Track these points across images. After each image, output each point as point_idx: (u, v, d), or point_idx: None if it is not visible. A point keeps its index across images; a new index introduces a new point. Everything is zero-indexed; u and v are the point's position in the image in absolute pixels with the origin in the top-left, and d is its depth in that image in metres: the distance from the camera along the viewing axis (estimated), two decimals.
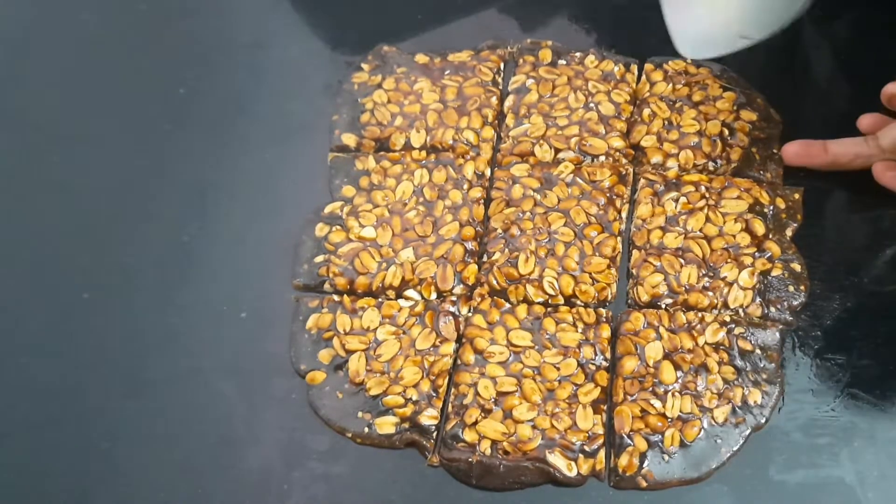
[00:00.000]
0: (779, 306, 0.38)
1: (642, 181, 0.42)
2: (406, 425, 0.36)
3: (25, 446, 0.37)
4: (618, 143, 0.43)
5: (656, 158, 0.42)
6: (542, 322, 0.38)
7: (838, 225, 0.41)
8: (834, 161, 0.41)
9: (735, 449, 0.35)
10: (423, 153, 0.44)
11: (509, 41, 0.48)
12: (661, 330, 0.38)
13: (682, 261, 0.39)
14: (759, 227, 0.40)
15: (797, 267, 0.39)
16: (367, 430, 0.36)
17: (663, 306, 0.39)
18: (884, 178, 0.40)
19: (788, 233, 0.40)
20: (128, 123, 0.48)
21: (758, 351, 0.37)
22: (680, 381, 0.36)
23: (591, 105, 0.44)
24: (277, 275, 0.41)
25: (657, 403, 0.36)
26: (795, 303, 0.38)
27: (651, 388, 0.36)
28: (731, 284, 0.39)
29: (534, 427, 0.35)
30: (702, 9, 0.42)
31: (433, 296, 0.40)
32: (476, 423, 0.36)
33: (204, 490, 0.36)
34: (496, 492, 0.35)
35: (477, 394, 0.36)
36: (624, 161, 0.43)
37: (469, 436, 0.36)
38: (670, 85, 0.45)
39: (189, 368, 0.39)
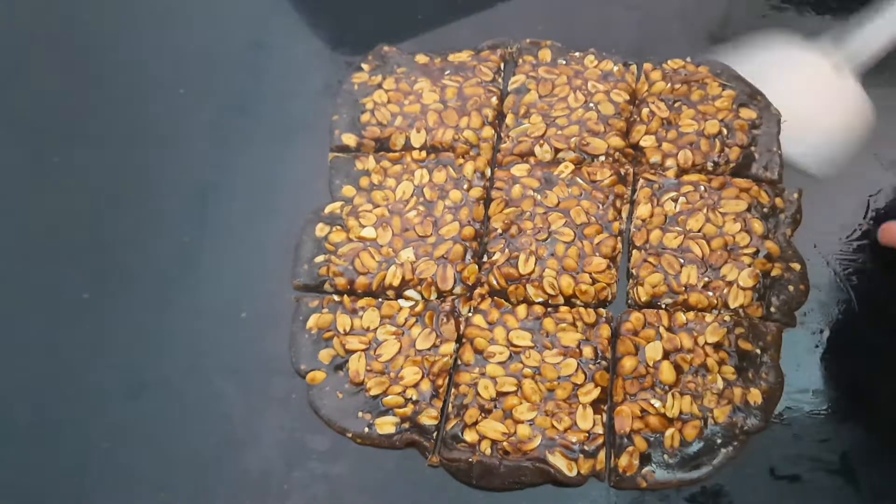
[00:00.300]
0: (779, 306, 0.38)
1: (641, 181, 0.42)
2: (406, 425, 0.36)
3: (25, 446, 0.37)
4: (617, 142, 0.43)
5: (655, 158, 0.42)
6: (542, 322, 0.38)
7: (838, 224, 0.41)
8: None
9: (735, 449, 0.35)
10: (424, 153, 0.44)
11: (509, 41, 0.48)
12: (661, 330, 0.38)
13: (681, 261, 0.39)
14: (759, 227, 0.40)
15: (797, 267, 0.39)
16: (367, 430, 0.36)
17: (663, 306, 0.39)
18: None
19: (788, 232, 0.40)
20: (128, 123, 0.48)
21: (758, 351, 0.37)
22: (680, 381, 0.36)
23: (591, 105, 0.44)
24: (278, 275, 0.41)
25: (657, 403, 0.36)
26: (795, 303, 0.38)
27: (651, 388, 0.36)
28: (730, 284, 0.39)
29: (534, 427, 0.35)
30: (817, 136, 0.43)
31: (433, 296, 0.40)
32: (476, 423, 0.36)
33: (204, 490, 0.36)
34: (496, 492, 0.35)
35: (477, 394, 0.36)
36: (624, 161, 0.43)
37: (469, 436, 0.36)
38: (669, 84, 0.45)
39: (189, 368, 0.39)
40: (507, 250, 0.40)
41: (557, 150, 0.43)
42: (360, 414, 0.37)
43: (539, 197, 0.42)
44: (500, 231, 0.41)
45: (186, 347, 0.40)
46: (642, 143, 0.43)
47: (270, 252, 0.42)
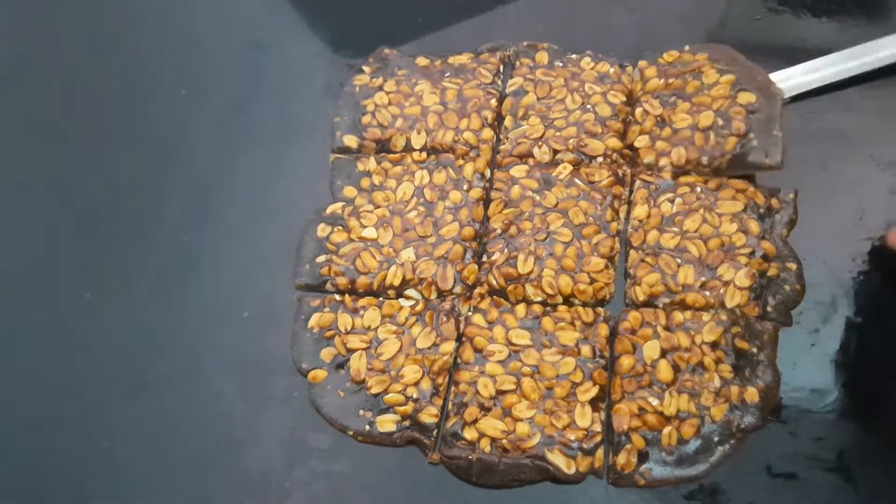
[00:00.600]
0: (775, 305, 0.39)
1: (638, 182, 0.43)
2: (407, 423, 0.36)
3: (25, 446, 0.37)
4: (615, 144, 0.43)
5: (649, 158, 0.42)
6: (540, 321, 0.39)
7: (834, 224, 0.42)
8: None
9: (732, 447, 0.35)
10: (424, 154, 0.44)
11: (509, 44, 0.48)
12: (659, 329, 0.38)
13: (678, 261, 0.40)
14: (755, 228, 0.40)
15: (793, 266, 0.39)
16: (368, 428, 0.36)
17: (661, 306, 0.39)
18: None
19: (784, 233, 0.41)
20: (128, 123, 0.48)
21: (755, 350, 0.37)
22: (678, 379, 0.37)
23: (588, 107, 0.45)
24: (279, 274, 0.41)
25: (655, 402, 0.36)
26: (791, 302, 0.39)
27: (649, 387, 0.37)
28: (727, 284, 0.39)
29: (533, 425, 0.36)
30: None
31: (433, 295, 0.40)
32: (476, 421, 0.36)
33: (205, 489, 0.36)
34: (496, 489, 0.35)
35: (477, 392, 0.37)
36: (621, 162, 0.43)
37: (469, 434, 0.36)
38: (663, 79, 0.44)
39: (191, 368, 0.39)
40: (506, 250, 0.40)
41: (556, 152, 0.44)
42: (361, 412, 0.37)
43: (538, 198, 0.42)
44: (499, 231, 0.41)
45: (187, 347, 0.40)
46: (637, 144, 0.43)
47: (272, 252, 0.42)
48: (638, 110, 0.44)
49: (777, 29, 0.48)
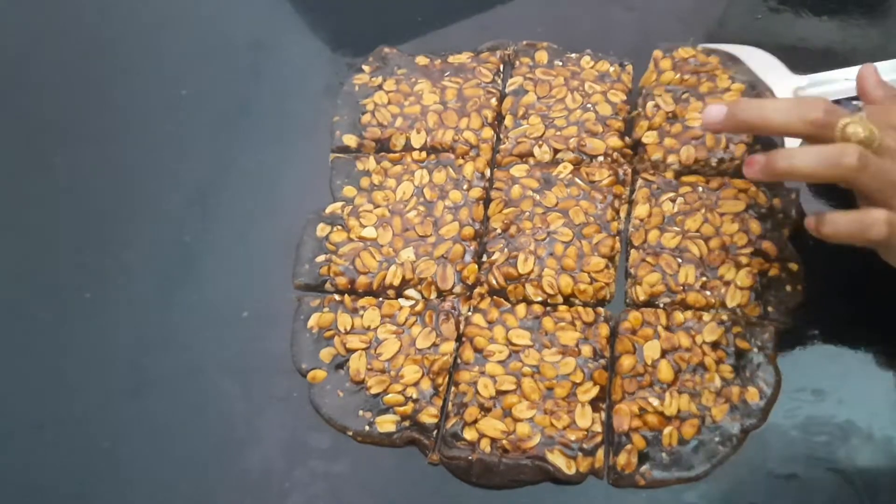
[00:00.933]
0: (776, 306, 0.39)
1: (640, 181, 0.42)
2: (406, 424, 0.36)
3: (25, 446, 0.37)
4: (616, 143, 0.43)
5: (657, 156, 0.42)
6: (541, 321, 0.38)
7: None
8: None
9: (733, 447, 0.35)
10: (424, 154, 0.44)
11: (508, 43, 0.48)
12: (660, 329, 0.38)
13: (679, 260, 0.40)
14: (756, 228, 0.40)
15: (794, 267, 0.39)
16: (367, 428, 0.36)
17: (661, 305, 0.39)
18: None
19: (785, 233, 0.41)
20: (128, 123, 0.48)
21: (755, 350, 0.37)
22: (678, 379, 0.37)
23: (589, 106, 0.45)
24: (279, 274, 0.41)
25: (655, 402, 0.36)
26: (792, 302, 0.39)
27: (649, 387, 0.36)
28: (728, 284, 0.39)
29: (533, 425, 0.36)
30: None
31: (433, 295, 0.40)
32: (476, 421, 0.36)
33: (205, 489, 0.36)
34: (496, 490, 0.35)
35: (477, 392, 0.37)
36: (622, 161, 0.43)
37: (469, 434, 0.36)
38: (678, 74, 0.44)
39: (190, 368, 0.39)
40: (506, 250, 0.40)
41: (556, 151, 0.43)
42: (360, 412, 0.37)
43: (538, 197, 0.42)
44: (499, 231, 0.41)
45: (187, 347, 0.40)
46: (644, 140, 0.43)
47: (271, 252, 0.42)
48: (649, 104, 0.43)
49: (777, 28, 0.48)
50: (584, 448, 0.35)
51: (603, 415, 0.36)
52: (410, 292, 0.40)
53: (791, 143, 0.41)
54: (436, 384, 0.37)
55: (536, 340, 0.38)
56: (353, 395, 0.37)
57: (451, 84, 0.46)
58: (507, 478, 0.35)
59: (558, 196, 0.42)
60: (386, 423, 0.36)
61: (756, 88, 0.44)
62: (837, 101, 0.42)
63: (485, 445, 0.35)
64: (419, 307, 0.39)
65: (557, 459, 0.35)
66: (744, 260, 0.39)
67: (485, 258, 0.41)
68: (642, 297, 0.39)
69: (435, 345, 0.38)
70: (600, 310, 0.39)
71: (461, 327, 0.39)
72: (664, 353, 0.37)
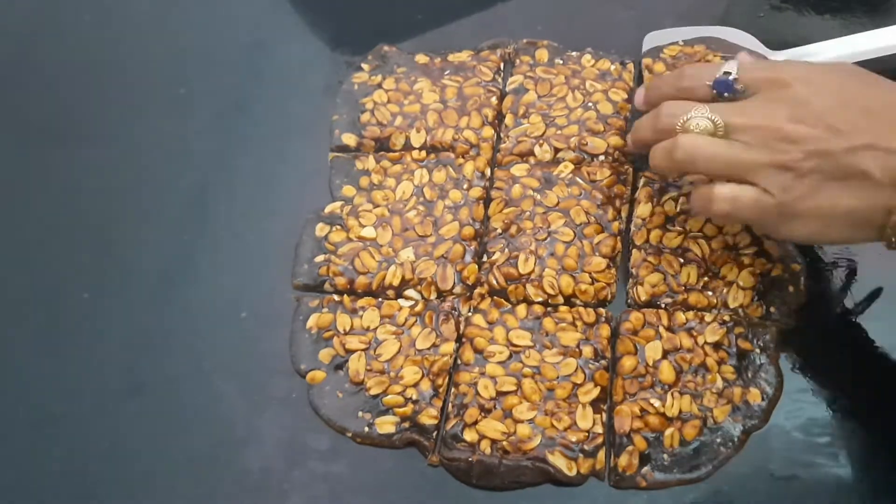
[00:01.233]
0: (778, 306, 0.38)
1: (643, 180, 0.42)
2: (406, 425, 0.36)
3: (25, 446, 0.37)
4: (617, 142, 0.43)
5: None
6: (541, 322, 0.38)
7: None
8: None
9: (734, 449, 0.35)
10: (423, 153, 0.44)
11: (509, 41, 0.48)
12: (661, 329, 0.38)
13: (681, 260, 0.39)
14: None
15: (796, 267, 0.39)
16: (367, 429, 0.36)
17: (663, 306, 0.39)
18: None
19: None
20: (128, 123, 0.48)
21: (757, 351, 0.37)
22: (680, 380, 0.36)
23: (590, 104, 0.44)
24: (277, 274, 0.41)
25: (657, 403, 0.36)
26: (795, 303, 0.38)
27: (651, 388, 0.36)
28: (730, 284, 0.39)
29: (534, 427, 0.35)
30: None
31: (433, 295, 0.40)
32: (476, 422, 0.36)
33: (204, 489, 0.36)
34: (496, 491, 0.35)
35: (477, 393, 0.36)
36: (623, 160, 0.43)
37: (469, 435, 0.36)
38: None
39: (189, 368, 0.39)
40: (506, 250, 0.40)
41: (557, 150, 0.43)
42: (360, 413, 0.37)
43: (539, 197, 0.42)
44: (499, 231, 0.41)
45: (186, 347, 0.40)
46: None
47: (270, 252, 0.42)
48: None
49: (780, 26, 0.48)
50: (585, 449, 0.35)
51: (604, 416, 0.36)
52: (410, 293, 0.40)
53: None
54: (436, 385, 0.37)
55: (537, 341, 0.38)
56: (352, 396, 0.37)
57: (452, 83, 0.46)
58: (508, 479, 0.35)
59: (559, 195, 0.42)
60: (385, 425, 0.36)
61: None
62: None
63: (485, 447, 0.35)
64: (419, 308, 0.39)
65: (558, 461, 0.35)
66: (746, 260, 0.39)
67: (485, 258, 0.41)
68: (644, 298, 0.39)
69: (435, 345, 0.38)
70: (601, 310, 0.39)
71: (461, 328, 0.39)
72: (666, 354, 0.37)
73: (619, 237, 0.41)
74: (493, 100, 0.45)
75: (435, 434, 0.36)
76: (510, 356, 0.37)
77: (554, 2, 0.50)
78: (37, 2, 0.54)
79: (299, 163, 0.45)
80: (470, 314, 0.39)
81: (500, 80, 0.47)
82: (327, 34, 0.50)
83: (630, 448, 0.35)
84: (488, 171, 0.43)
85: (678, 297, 0.39)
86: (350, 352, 0.38)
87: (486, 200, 0.42)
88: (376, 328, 0.39)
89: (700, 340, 0.37)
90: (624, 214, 0.42)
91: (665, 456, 0.35)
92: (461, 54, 0.47)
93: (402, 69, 0.47)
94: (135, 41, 0.51)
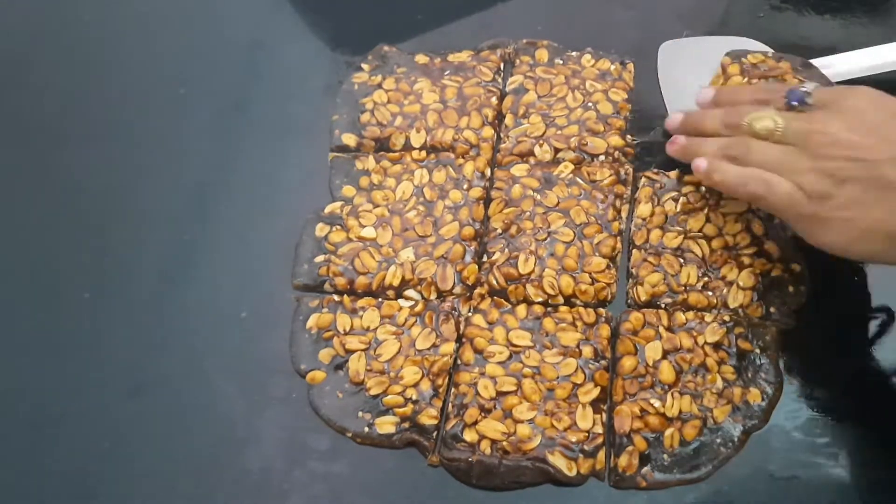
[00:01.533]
0: (778, 306, 0.38)
1: (643, 180, 0.42)
2: (406, 425, 0.36)
3: (25, 446, 0.37)
4: (617, 142, 0.43)
5: None
6: (541, 322, 0.38)
7: None
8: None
9: (734, 449, 0.35)
10: (423, 153, 0.44)
11: (509, 41, 0.48)
12: (661, 330, 0.38)
13: (681, 260, 0.39)
14: (759, 228, 0.40)
15: (797, 267, 0.39)
16: (367, 429, 0.36)
17: (663, 306, 0.39)
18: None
19: (788, 233, 0.40)
20: (128, 123, 0.48)
21: (757, 351, 0.37)
22: (680, 380, 0.36)
23: (590, 104, 0.44)
24: (278, 274, 0.41)
25: (657, 403, 0.36)
26: (795, 303, 0.38)
27: (651, 388, 0.36)
28: (730, 284, 0.39)
29: (534, 427, 0.35)
30: None
31: (433, 296, 0.40)
32: (476, 422, 0.36)
33: (204, 490, 0.36)
34: (496, 491, 0.35)
35: (477, 393, 0.36)
36: (623, 160, 0.43)
37: (469, 435, 0.36)
38: (746, 79, 0.43)
39: (189, 368, 0.39)
40: (506, 250, 0.40)
41: (557, 150, 0.43)
42: (360, 413, 0.37)
43: (539, 197, 0.42)
44: (499, 231, 0.41)
45: (186, 347, 0.40)
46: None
47: (270, 252, 0.42)
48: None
49: (780, 26, 0.48)
50: (585, 449, 0.35)
51: (604, 416, 0.36)
52: (410, 293, 0.40)
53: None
54: (436, 385, 0.37)
55: (537, 341, 0.38)
56: (352, 397, 0.37)
57: (452, 83, 0.46)
58: (508, 479, 0.35)
59: (559, 196, 0.42)
60: (385, 425, 0.36)
61: None
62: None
63: (485, 447, 0.35)
64: (419, 308, 0.39)
65: (558, 461, 0.35)
66: (746, 260, 0.39)
67: (485, 258, 0.41)
68: (644, 298, 0.39)
69: (435, 346, 0.38)
70: (601, 310, 0.39)
71: (461, 328, 0.39)
72: (666, 354, 0.37)
73: (619, 237, 0.41)
74: (493, 100, 0.45)
75: (435, 434, 0.36)
76: (510, 356, 0.37)
77: (554, 2, 0.50)
78: (37, 2, 0.54)
79: (299, 163, 0.45)
80: (470, 314, 0.39)
81: (500, 80, 0.47)
82: (327, 34, 0.50)
83: (630, 448, 0.35)
84: (488, 172, 0.43)
85: (678, 297, 0.39)
86: (350, 352, 0.38)
87: (486, 201, 0.42)
88: (376, 328, 0.39)
89: (700, 341, 0.37)
90: (624, 214, 0.42)
91: (665, 456, 0.35)
92: (461, 54, 0.47)
93: (402, 69, 0.47)
94: (135, 41, 0.51)
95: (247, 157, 0.46)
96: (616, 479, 0.35)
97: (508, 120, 0.45)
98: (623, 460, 0.35)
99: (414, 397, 0.37)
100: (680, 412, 0.36)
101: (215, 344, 0.40)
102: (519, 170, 0.43)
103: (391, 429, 0.36)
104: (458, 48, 0.48)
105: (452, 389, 0.37)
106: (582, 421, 0.36)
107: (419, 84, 0.46)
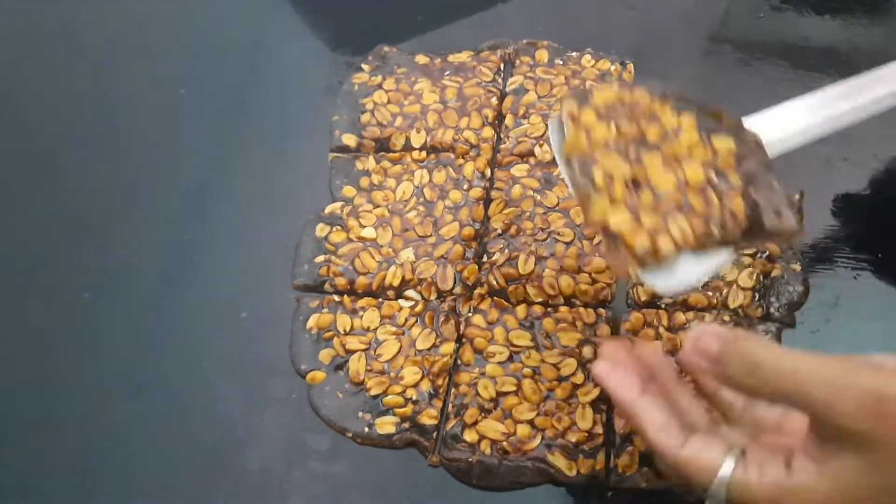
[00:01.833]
0: (778, 307, 0.38)
1: None
2: (406, 425, 0.36)
3: (25, 446, 0.37)
4: None
5: (643, 246, 0.29)
6: (541, 322, 0.38)
7: (837, 225, 0.41)
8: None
9: None
10: (424, 153, 0.44)
11: (509, 41, 0.48)
12: (661, 330, 0.38)
13: None
14: None
15: (797, 267, 0.39)
16: (367, 429, 0.36)
17: (663, 306, 0.39)
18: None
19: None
20: (127, 123, 0.48)
21: None
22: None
23: None
24: (278, 275, 0.41)
25: None
26: (795, 303, 0.38)
27: None
28: (730, 285, 0.39)
29: (533, 427, 0.35)
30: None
31: (433, 296, 0.40)
32: (476, 422, 0.36)
33: (204, 490, 0.36)
34: (496, 491, 0.35)
35: (477, 394, 0.36)
36: None
37: (469, 436, 0.36)
38: (611, 124, 0.31)
39: (189, 368, 0.39)
40: (506, 250, 0.40)
41: None
42: (360, 414, 0.37)
43: (539, 197, 0.42)
44: (499, 231, 0.41)
45: (186, 347, 0.40)
46: (614, 228, 0.29)
47: (270, 252, 0.42)
48: (597, 174, 0.29)
49: (779, 27, 0.48)
50: (585, 450, 0.35)
51: (604, 416, 0.36)
52: (410, 293, 0.40)
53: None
54: (436, 385, 0.37)
55: (537, 341, 0.38)
56: (352, 397, 0.37)
57: (452, 83, 0.46)
58: (508, 480, 0.35)
59: (559, 196, 0.42)
60: (386, 425, 0.36)
61: (717, 115, 0.32)
62: None
63: (485, 447, 0.35)
64: (419, 308, 0.39)
65: (558, 461, 0.35)
66: (746, 260, 0.39)
67: (485, 258, 0.41)
68: (644, 298, 0.39)
69: (435, 346, 0.38)
70: (601, 310, 0.39)
71: (461, 328, 0.39)
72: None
73: None
74: (494, 100, 0.45)
75: (435, 434, 0.36)
76: (510, 356, 0.37)
77: (554, 2, 0.50)
78: (37, 2, 0.54)
79: (299, 163, 0.45)
80: (470, 314, 0.39)
81: (500, 80, 0.47)
82: (327, 34, 0.50)
83: (630, 448, 0.35)
84: (488, 172, 0.43)
85: (678, 297, 0.39)
86: (350, 352, 0.38)
87: (486, 201, 0.42)
88: (376, 328, 0.39)
89: None
90: None
91: None
92: (461, 55, 0.47)
93: (402, 70, 0.47)
94: (135, 41, 0.51)
95: (247, 157, 0.46)
96: (616, 479, 0.35)
97: (508, 120, 0.45)
98: (623, 460, 0.35)
99: (414, 397, 0.37)
100: None
101: (215, 344, 0.39)
102: (519, 170, 0.43)
103: (391, 429, 0.36)
104: (458, 48, 0.48)
105: (452, 389, 0.37)
106: (582, 421, 0.36)
107: (419, 84, 0.46)
